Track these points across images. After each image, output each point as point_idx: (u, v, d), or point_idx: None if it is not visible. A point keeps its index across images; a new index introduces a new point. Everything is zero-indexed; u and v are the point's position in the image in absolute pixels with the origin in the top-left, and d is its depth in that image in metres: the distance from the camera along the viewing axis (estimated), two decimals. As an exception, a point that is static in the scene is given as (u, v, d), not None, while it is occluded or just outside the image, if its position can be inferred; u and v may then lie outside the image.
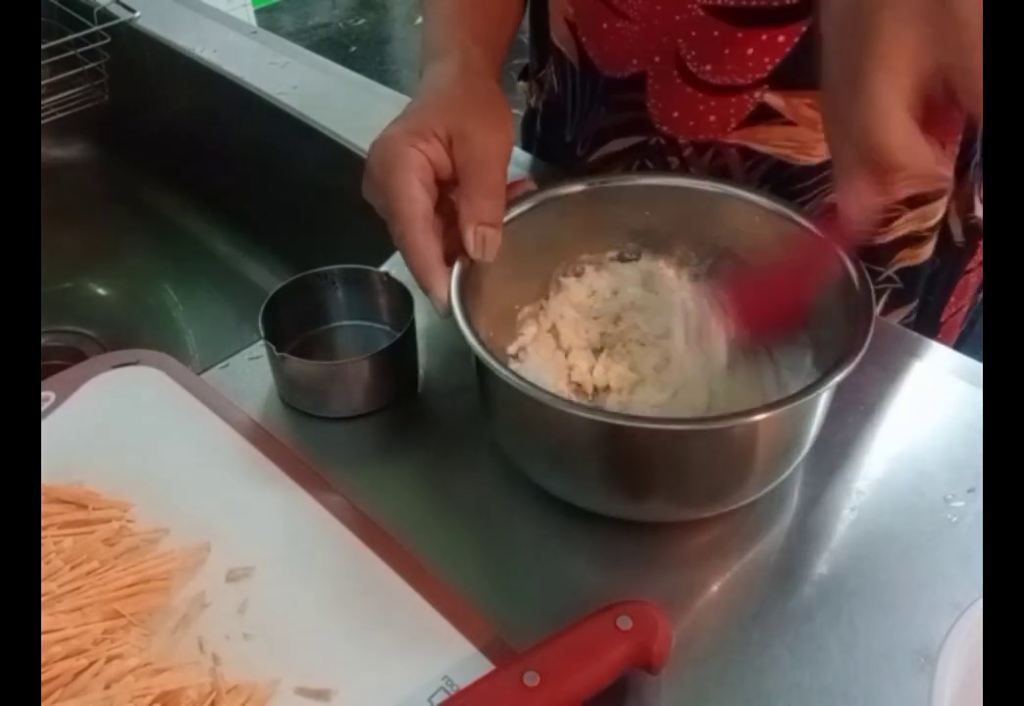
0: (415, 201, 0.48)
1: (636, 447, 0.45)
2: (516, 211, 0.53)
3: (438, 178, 0.49)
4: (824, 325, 0.50)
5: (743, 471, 0.47)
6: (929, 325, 0.74)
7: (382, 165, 0.49)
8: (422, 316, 0.59)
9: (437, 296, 0.48)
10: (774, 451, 0.48)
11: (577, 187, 0.55)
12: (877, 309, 0.46)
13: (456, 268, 0.49)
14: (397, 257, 0.68)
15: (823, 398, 0.47)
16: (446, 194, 0.50)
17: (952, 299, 0.74)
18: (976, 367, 0.59)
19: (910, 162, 0.38)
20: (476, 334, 0.46)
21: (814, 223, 0.51)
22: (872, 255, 0.48)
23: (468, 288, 0.49)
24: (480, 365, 0.46)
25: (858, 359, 0.44)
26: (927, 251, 0.68)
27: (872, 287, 0.47)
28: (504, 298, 0.55)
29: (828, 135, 0.42)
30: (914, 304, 0.71)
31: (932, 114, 0.39)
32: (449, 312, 0.47)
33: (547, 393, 0.43)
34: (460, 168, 0.49)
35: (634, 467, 0.47)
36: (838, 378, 0.43)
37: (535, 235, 0.54)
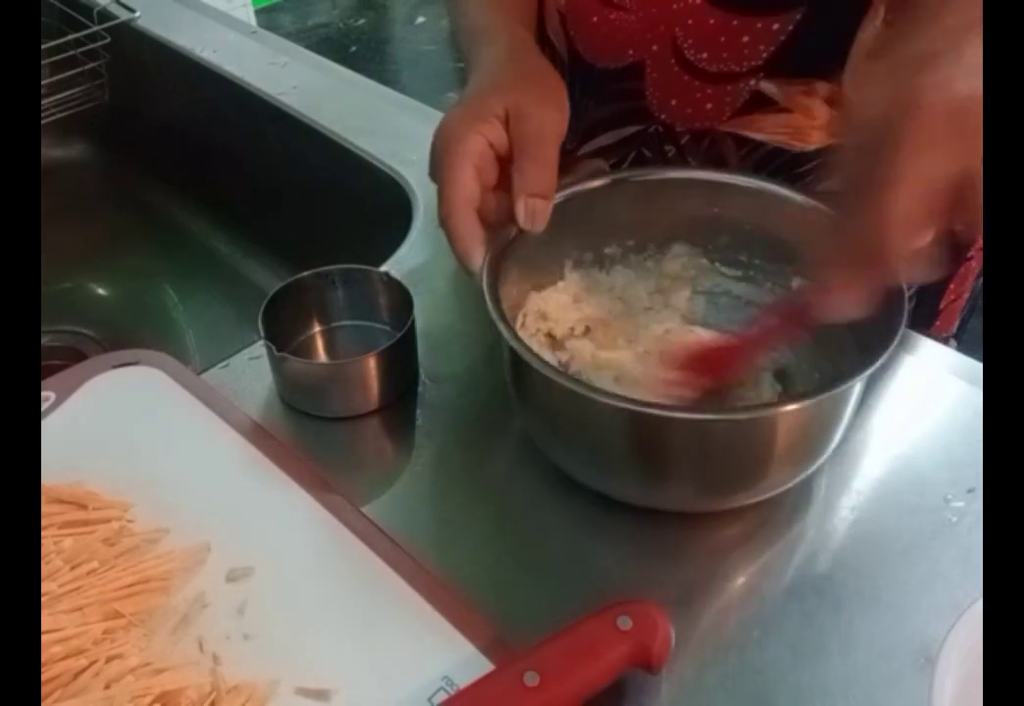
0: (463, 187, 0.49)
1: (664, 435, 0.46)
2: (574, 188, 0.54)
3: (499, 156, 0.51)
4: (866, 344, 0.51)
5: (767, 463, 0.48)
6: (928, 313, 0.74)
7: (439, 149, 0.50)
8: (422, 316, 0.59)
9: (475, 276, 0.50)
10: (800, 444, 0.48)
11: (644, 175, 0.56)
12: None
13: (487, 270, 0.49)
14: (397, 257, 0.68)
15: (852, 396, 0.47)
16: (506, 169, 0.51)
17: (952, 286, 0.74)
18: (975, 366, 0.59)
19: (906, 269, 0.41)
20: (509, 325, 0.47)
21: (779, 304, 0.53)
22: None
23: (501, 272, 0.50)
24: (513, 354, 0.47)
25: (884, 358, 0.44)
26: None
27: (905, 288, 0.47)
28: (531, 273, 0.56)
29: (833, 240, 0.44)
30: (913, 289, 0.71)
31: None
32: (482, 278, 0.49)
33: (580, 382, 0.44)
34: (516, 143, 0.50)
35: (661, 454, 0.47)
36: (864, 374, 0.43)
37: (578, 218, 0.55)
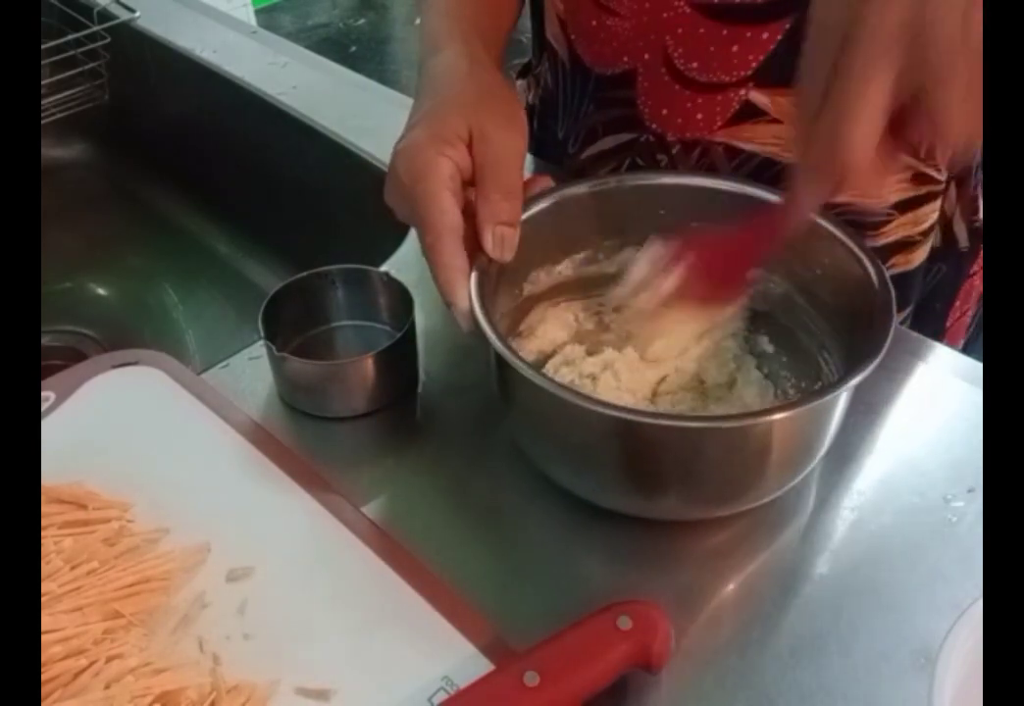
0: (446, 213, 0.47)
1: (652, 443, 0.46)
2: (534, 209, 0.53)
3: (463, 180, 0.49)
4: (845, 326, 0.50)
5: (758, 470, 0.47)
6: (934, 330, 0.74)
7: (410, 174, 0.49)
8: (422, 316, 0.59)
9: (460, 310, 0.47)
10: (789, 451, 0.48)
11: (585, 187, 0.55)
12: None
13: (474, 273, 0.48)
14: (397, 257, 0.68)
15: (840, 401, 0.47)
16: (466, 194, 0.50)
17: (957, 303, 0.74)
18: (977, 367, 0.59)
19: (866, 165, 0.39)
20: (496, 330, 0.46)
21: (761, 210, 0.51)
22: None
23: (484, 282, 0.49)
24: (501, 361, 0.46)
25: (877, 362, 0.44)
26: (920, 256, 0.68)
27: (892, 289, 0.47)
28: (515, 289, 0.55)
29: (798, 130, 0.43)
30: (908, 310, 0.71)
31: (907, 119, 0.39)
32: (472, 326, 0.47)
33: (569, 389, 0.44)
34: (478, 168, 0.49)
35: (650, 463, 0.47)
36: (855, 380, 0.43)
37: (549, 232, 0.54)
